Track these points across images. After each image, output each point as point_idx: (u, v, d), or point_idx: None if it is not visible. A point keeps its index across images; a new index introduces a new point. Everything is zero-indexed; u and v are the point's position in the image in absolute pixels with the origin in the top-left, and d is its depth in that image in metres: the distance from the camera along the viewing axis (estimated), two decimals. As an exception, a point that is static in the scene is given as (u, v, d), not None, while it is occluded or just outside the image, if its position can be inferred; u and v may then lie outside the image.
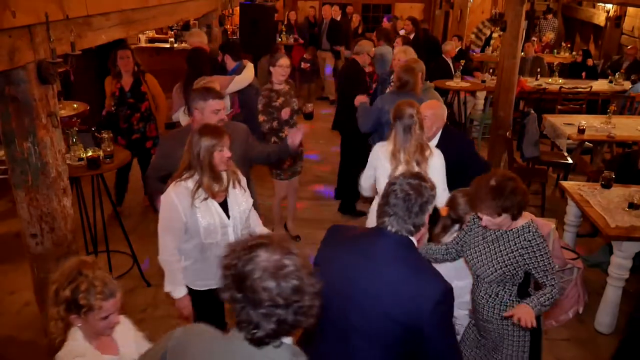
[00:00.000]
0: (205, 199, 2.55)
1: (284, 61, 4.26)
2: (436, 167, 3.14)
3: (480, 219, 2.39)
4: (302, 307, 1.32)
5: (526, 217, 2.45)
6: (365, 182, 3.41)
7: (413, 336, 1.81)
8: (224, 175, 2.61)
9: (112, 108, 4.85)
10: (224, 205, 2.63)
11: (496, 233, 2.45)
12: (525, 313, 2.27)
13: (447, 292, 1.82)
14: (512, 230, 2.41)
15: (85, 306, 1.82)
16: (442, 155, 3.20)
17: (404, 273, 1.83)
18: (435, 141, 3.46)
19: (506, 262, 2.39)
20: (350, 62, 5.45)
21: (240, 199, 2.70)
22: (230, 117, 4.46)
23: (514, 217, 2.34)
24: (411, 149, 3.09)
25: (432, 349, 1.83)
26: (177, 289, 2.71)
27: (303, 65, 9.10)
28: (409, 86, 4.16)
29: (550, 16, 11.38)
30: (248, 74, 4.62)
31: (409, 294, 1.79)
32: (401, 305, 1.79)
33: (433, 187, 1.93)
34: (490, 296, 2.49)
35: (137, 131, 4.94)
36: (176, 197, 2.52)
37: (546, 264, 2.36)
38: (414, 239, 1.91)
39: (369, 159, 3.38)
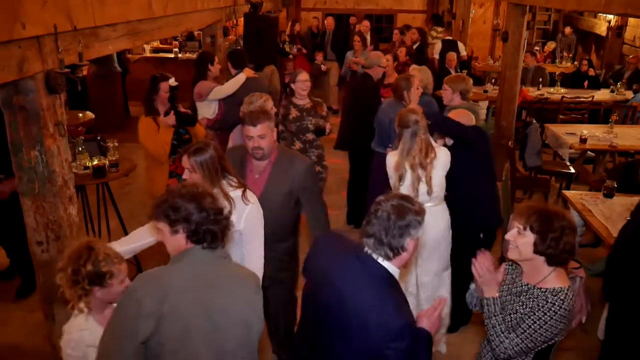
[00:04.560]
0: None
1: (303, 76, 4.31)
2: (439, 166, 3.25)
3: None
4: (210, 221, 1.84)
5: (563, 280, 2.07)
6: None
7: None
8: None
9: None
10: None
11: (523, 286, 2.11)
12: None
13: (404, 328, 1.75)
14: (541, 289, 2.04)
15: (108, 272, 1.99)
16: (448, 154, 3.30)
17: (369, 302, 1.78)
18: None
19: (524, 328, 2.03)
20: (362, 76, 5.40)
21: None
22: (211, 122, 4.53)
23: (536, 249, 2.00)
24: (414, 154, 3.17)
25: None
26: None
27: (323, 68, 9.18)
28: (398, 94, 4.26)
29: (568, 30, 11.21)
30: (229, 86, 4.69)
31: (372, 324, 1.75)
32: (364, 332, 1.76)
33: (419, 212, 1.84)
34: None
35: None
36: None
37: (546, 334, 2.00)
38: (390, 265, 1.85)
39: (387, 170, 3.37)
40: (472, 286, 2.32)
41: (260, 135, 2.76)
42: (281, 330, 3.29)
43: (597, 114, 7.65)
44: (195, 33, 9.44)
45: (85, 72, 2.61)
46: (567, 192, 4.57)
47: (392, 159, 3.35)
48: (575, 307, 3.83)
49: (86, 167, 3.80)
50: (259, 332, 1.94)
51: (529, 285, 2.09)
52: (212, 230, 1.84)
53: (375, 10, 12.96)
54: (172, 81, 3.73)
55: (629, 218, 3.17)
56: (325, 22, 10.03)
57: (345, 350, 1.83)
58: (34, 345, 3.54)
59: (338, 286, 1.85)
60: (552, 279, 2.05)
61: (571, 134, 6.00)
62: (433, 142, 3.34)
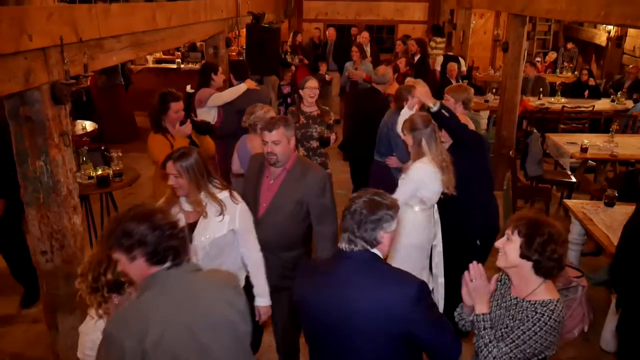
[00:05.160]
0: (179, 212, 2.56)
1: (312, 83, 4.37)
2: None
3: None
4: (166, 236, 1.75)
5: (552, 293, 2.02)
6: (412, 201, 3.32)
7: (408, 340, 1.82)
8: (183, 200, 2.57)
9: None
10: (194, 228, 2.55)
11: (512, 300, 2.09)
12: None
13: (420, 288, 1.82)
14: (530, 301, 2.01)
15: (127, 282, 1.99)
16: None
17: (371, 286, 1.84)
18: None
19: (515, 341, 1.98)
20: (368, 90, 5.44)
21: (211, 229, 2.55)
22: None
23: (522, 253, 1.97)
24: (439, 154, 3.20)
25: (427, 345, 1.86)
26: None
27: (327, 78, 9.16)
28: (399, 103, 4.28)
29: (570, 45, 11.23)
30: (228, 93, 4.72)
31: (384, 304, 1.79)
32: (381, 317, 1.80)
33: (391, 207, 1.89)
34: None
35: None
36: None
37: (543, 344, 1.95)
38: (376, 251, 1.89)
39: (412, 178, 3.24)
40: (459, 308, 2.30)
41: (274, 141, 2.78)
42: (287, 339, 3.25)
43: (598, 124, 7.67)
44: (198, 44, 9.51)
45: (88, 83, 2.65)
46: (568, 201, 4.58)
47: (422, 166, 3.22)
48: (577, 316, 3.85)
49: (90, 177, 3.82)
50: (248, 334, 1.90)
51: (518, 299, 2.07)
52: (172, 247, 1.76)
53: (376, 21, 13.04)
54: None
55: None
56: (327, 32, 10.09)
57: (377, 348, 1.84)
58: (37, 354, 3.55)
59: (335, 294, 1.86)
60: (541, 291, 2.01)
61: (572, 144, 6.02)
62: None
